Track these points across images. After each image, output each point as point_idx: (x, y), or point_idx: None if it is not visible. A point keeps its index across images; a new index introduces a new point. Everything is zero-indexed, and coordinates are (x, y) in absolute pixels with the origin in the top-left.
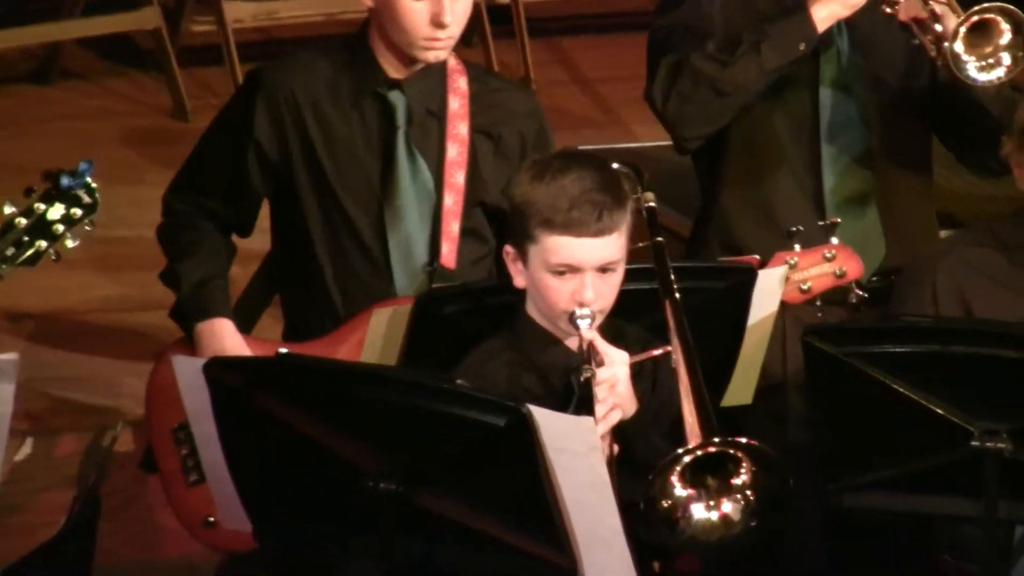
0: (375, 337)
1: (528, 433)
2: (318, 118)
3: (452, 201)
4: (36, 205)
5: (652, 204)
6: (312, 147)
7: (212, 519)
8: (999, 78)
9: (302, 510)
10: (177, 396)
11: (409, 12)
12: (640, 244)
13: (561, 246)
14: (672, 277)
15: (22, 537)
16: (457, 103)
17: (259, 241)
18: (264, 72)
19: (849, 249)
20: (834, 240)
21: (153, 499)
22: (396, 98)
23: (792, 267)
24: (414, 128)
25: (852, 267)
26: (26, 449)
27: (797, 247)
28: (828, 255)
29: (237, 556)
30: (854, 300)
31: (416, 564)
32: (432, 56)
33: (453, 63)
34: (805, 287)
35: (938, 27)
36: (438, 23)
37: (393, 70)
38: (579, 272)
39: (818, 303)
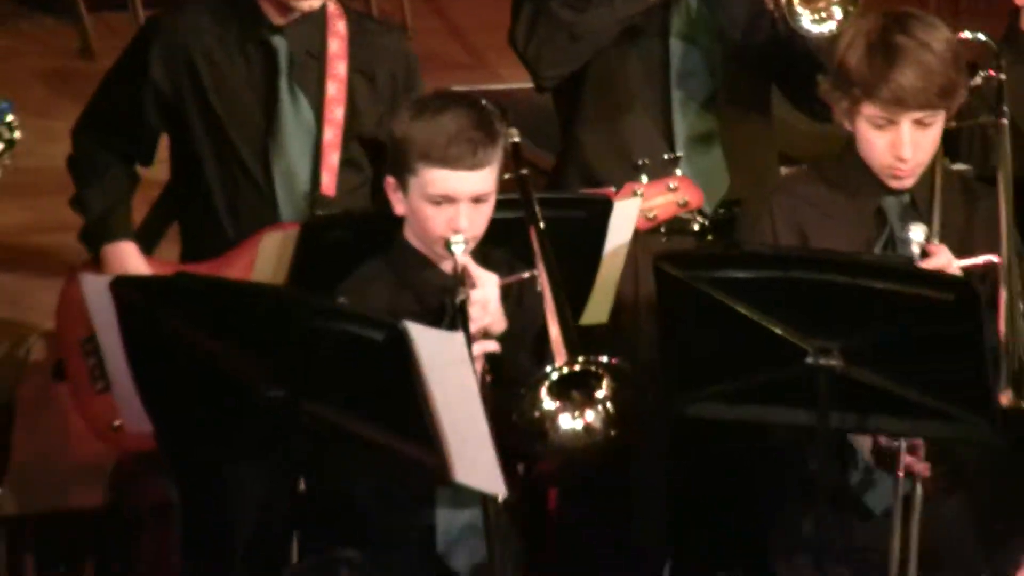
0: (265, 259)
1: (404, 347)
2: (208, 62)
3: (332, 135)
4: None
5: (517, 140)
6: (203, 89)
7: (117, 423)
8: (831, 31)
9: (200, 416)
10: (85, 311)
11: None
12: (506, 176)
13: (439, 179)
14: (536, 207)
15: None
16: (336, 45)
17: (161, 171)
18: (159, 20)
19: (690, 181)
20: (678, 172)
21: (62, 405)
22: (279, 43)
23: (639, 196)
24: (296, 69)
25: (693, 197)
26: None
27: (644, 178)
28: (672, 186)
29: (138, 455)
30: (696, 228)
31: (302, 464)
32: (306, 5)
33: (332, 8)
34: (651, 215)
35: None
36: None
37: (274, 16)
38: (455, 202)
39: (663, 230)
